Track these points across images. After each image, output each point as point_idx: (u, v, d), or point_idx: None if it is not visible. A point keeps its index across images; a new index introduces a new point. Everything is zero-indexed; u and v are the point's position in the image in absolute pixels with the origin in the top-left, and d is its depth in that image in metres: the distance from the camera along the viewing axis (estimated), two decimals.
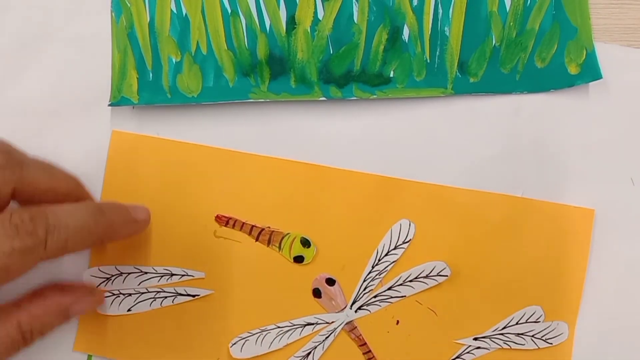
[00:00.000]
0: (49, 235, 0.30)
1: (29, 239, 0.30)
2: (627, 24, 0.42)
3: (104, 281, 0.41)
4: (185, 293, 0.41)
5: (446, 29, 0.41)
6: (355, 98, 0.41)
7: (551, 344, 0.41)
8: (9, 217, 0.30)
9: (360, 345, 0.41)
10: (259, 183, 0.41)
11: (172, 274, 0.41)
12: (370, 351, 0.41)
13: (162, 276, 0.41)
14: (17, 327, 0.33)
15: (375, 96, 0.41)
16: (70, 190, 0.36)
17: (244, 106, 0.41)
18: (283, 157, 0.41)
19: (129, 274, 0.41)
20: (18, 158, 0.32)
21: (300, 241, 0.41)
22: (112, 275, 0.41)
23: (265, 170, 0.41)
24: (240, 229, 0.41)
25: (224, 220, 0.41)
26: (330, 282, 0.41)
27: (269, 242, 0.41)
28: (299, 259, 0.41)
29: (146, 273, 0.41)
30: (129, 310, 0.40)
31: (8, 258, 0.29)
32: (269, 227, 0.41)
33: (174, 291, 0.41)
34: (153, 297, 0.41)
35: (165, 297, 0.41)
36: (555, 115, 0.42)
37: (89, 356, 0.41)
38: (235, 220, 0.41)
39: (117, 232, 0.36)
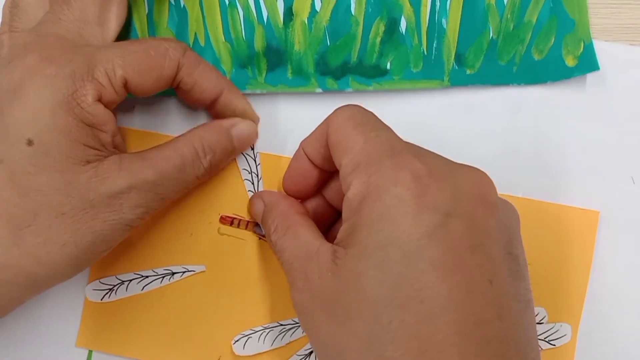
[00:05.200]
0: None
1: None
2: (627, 23, 0.42)
3: (107, 292, 0.41)
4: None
5: (443, 21, 0.41)
6: (351, 90, 0.41)
7: (554, 345, 0.41)
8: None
9: None
10: (264, 181, 0.41)
11: (173, 273, 0.41)
12: None
13: (163, 277, 0.41)
14: (193, 147, 0.36)
15: (371, 88, 0.41)
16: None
17: None
18: (279, 148, 0.41)
19: (131, 280, 0.41)
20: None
21: None
22: (114, 286, 0.41)
23: (270, 168, 0.41)
24: (246, 228, 0.41)
25: (228, 220, 0.41)
26: None
27: None
28: None
29: (147, 277, 0.41)
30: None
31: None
32: None
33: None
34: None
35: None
36: (555, 114, 0.42)
37: (90, 352, 0.41)
38: (240, 220, 0.41)
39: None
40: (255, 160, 0.41)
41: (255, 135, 0.40)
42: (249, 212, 0.40)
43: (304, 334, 0.41)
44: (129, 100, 0.41)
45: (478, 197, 0.30)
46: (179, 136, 0.37)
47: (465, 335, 0.27)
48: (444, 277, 0.28)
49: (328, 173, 0.37)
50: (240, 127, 0.38)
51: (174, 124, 0.42)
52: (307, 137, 0.36)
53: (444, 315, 0.28)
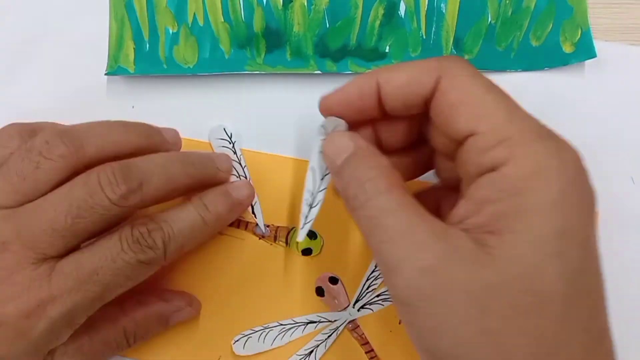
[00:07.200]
0: (167, 246, 0.33)
1: (152, 252, 0.32)
2: (627, 23, 0.43)
3: None
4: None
5: (442, 5, 0.41)
6: (350, 72, 0.41)
7: None
8: (130, 233, 0.32)
9: (363, 344, 0.40)
10: (262, 181, 0.41)
11: None
12: (372, 350, 0.40)
13: None
14: (123, 332, 0.35)
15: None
16: (186, 186, 0.36)
17: (240, 78, 0.41)
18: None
19: None
20: (138, 178, 0.32)
21: (307, 234, 0.40)
22: None
23: (268, 167, 0.41)
24: (245, 229, 0.40)
25: None
26: (334, 280, 0.40)
27: (275, 239, 0.40)
28: (307, 252, 0.40)
29: None
30: None
31: (134, 269, 0.32)
32: (273, 224, 0.40)
33: None
34: None
35: None
36: (554, 114, 0.41)
37: None
38: (240, 221, 0.40)
39: (225, 223, 0.39)
40: (240, 163, 0.40)
41: (195, 315, 0.39)
42: (326, 149, 0.32)
43: (304, 333, 0.40)
44: (128, 99, 0.41)
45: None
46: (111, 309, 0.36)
47: (609, 325, 0.28)
48: (599, 268, 0.27)
49: (380, 116, 0.33)
50: (181, 315, 0.38)
51: (173, 123, 0.41)
52: (390, 73, 0.31)
53: (603, 307, 0.27)
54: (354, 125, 0.33)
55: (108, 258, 0.31)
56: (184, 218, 0.34)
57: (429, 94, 0.30)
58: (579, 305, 0.26)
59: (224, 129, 0.40)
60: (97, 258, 0.31)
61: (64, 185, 0.32)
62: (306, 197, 0.34)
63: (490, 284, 0.26)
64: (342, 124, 0.32)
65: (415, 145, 0.34)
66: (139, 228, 0.33)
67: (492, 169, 0.27)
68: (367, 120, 0.33)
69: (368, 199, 0.28)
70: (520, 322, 0.25)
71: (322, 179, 0.34)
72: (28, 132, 0.35)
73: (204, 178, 0.37)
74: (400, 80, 0.30)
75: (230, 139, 0.40)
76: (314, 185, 0.34)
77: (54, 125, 0.36)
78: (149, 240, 0.32)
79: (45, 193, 0.32)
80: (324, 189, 0.34)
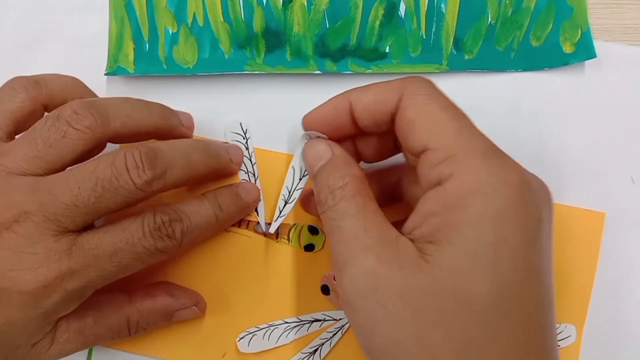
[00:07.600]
0: (184, 238, 0.34)
1: (170, 241, 0.33)
2: (627, 23, 0.43)
3: None
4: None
5: (442, 5, 0.41)
6: (350, 72, 0.41)
7: (559, 346, 0.40)
8: (153, 220, 0.33)
9: None
10: (268, 178, 0.40)
11: None
12: None
13: None
14: (126, 321, 0.36)
15: (370, 71, 0.41)
16: (203, 175, 0.37)
17: (239, 78, 0.41)
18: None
19: None
20: (163, 165, 0.33)
21: (308, 229, 0.40)
22: None
23: (274, 165, 0.41)
24: (247, 227, 0.40)
25: None
26: None
27: (277, 236, 0.40)
28: (309, 247, 0.40)
29: None
30: None
31: (150, 256, 0.33)
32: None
33: None
34: None
35: None
36: (554, 114, 0.42)
37: (90, 349, 0.40)
38: (242, 219, 0.40)
39: (232, 222, 0.40)
40: (250, 160, 0.40)
41: (200, 315, 0.40)
42: (306, 154, 0.35)
43: (309, 331, 0.40)
44: None
45: (547, 204, 0.30)
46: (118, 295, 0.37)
47: (551, 337, 0.29)
48: (539, 282, 0.29)
49: (358, 132, 0.35)
50: (185, 314, 0.39)
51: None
52: (359, 93, 0.33)
53: (538, 319, 0.28)
54: (335, 141, 0.35)
55: (129, 242, 0.32)
56: (201, 213, 0.36)
57: (393, 111, 0.32)
58: (508, 316, 0.27)
59: (240, 124, 0.40)
60: (118, 240, 0.32)
61: (90, 162, 0.32)
62: (283, 192, 0.37)
63: (423, 288, 0.27)
64: (323, 136, 0.35)
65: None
66: (161, 216, 0.33)
67: (438, 183, 0.29)
68: (346, 136, 0.35)
69: (335, 203, 0.31)
70: (448, 327, 0.27)
71: (300, 178, 0.36)
72: (32, 84, 0.35)
73: (219, 168, 0.38)
74: (369, 99, 0.33)
75: (244, 134, 0.40)
76: (292, 183, 0.37)
77: (58, 78, 0.36)
78: (169, 230, 0.33)
79: (69, 162, 0.33)
80: (300, 188, 0.37)
